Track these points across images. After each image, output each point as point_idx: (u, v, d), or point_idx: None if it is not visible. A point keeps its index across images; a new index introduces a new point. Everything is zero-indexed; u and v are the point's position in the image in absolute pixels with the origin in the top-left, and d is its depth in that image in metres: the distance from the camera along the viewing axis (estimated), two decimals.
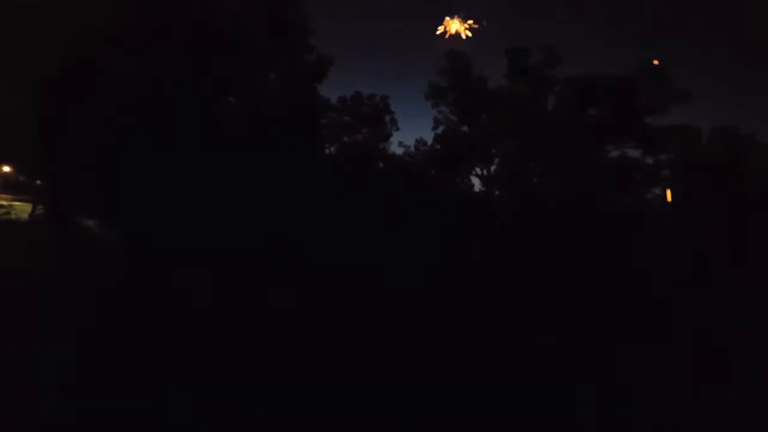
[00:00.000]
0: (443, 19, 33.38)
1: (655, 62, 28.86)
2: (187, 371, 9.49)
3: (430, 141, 35.28)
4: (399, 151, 36.17)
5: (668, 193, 32.42)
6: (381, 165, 34.55)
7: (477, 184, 35.36)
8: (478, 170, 34.82)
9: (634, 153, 31.35)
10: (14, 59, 18.19)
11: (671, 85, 28.49)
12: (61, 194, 21.73)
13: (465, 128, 34.20)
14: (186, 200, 21.46)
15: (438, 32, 33.75)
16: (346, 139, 34.93)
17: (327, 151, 34.07)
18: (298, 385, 9.38)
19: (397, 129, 35.93)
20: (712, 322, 21.91)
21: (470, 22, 32.80)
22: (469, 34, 32.73)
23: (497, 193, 34.82)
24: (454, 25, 32.73)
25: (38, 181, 25.69)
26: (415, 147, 35.84)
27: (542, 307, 21.90)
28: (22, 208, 25.24)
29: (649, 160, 31.09)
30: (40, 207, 23.95)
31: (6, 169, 27.59)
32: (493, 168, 34.45)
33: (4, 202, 24.92)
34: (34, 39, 17.98)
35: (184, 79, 21.34)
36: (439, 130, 34.51)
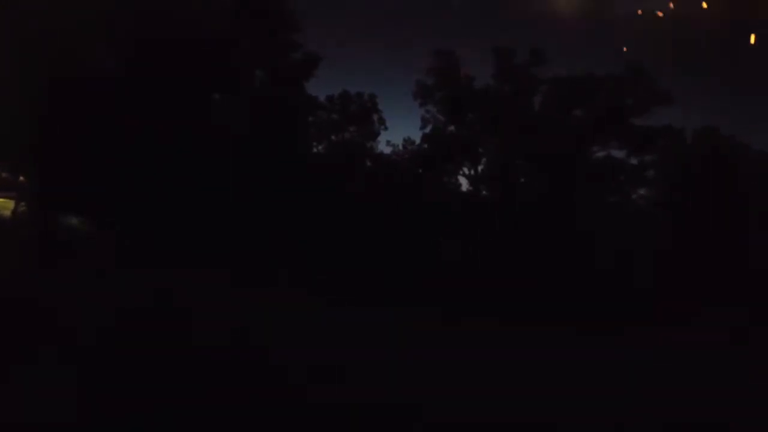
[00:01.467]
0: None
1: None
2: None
3: (417, 140, 35.35)
4: (387, 150, 36.18)
5: None
6: (369, 164, 34.59)
7: (464, 183, 35.53)
8: (465, 170, 34.98)
9: (619, 154, 31.71)
10: (5, 62, 18.07)
11: (654, 86, 28.81)
12: (46, 191, 21.56)
13: (452, 128, 34.29)
14: (169, 200, 21.34)
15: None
16: (333, 137, 34.87)
17: (315, 149, 34.07)
18: None
19: (385, 128, 35.84)
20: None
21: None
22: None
23: (484, 192, 35.00)
24: None
25: (21, 178, 25.45)
26: (403, 146, 35.86)
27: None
28: (4, 205, 25.02)
29: (634, 161, 31.46)
30: (23, 204, 23.74)
31: None
32: (480, 168, 34.63)
33: None
34: (26, 42, 17.88)
35: (169, 78, 21.23)
36: (427, 130, 34.55)
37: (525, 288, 24.95)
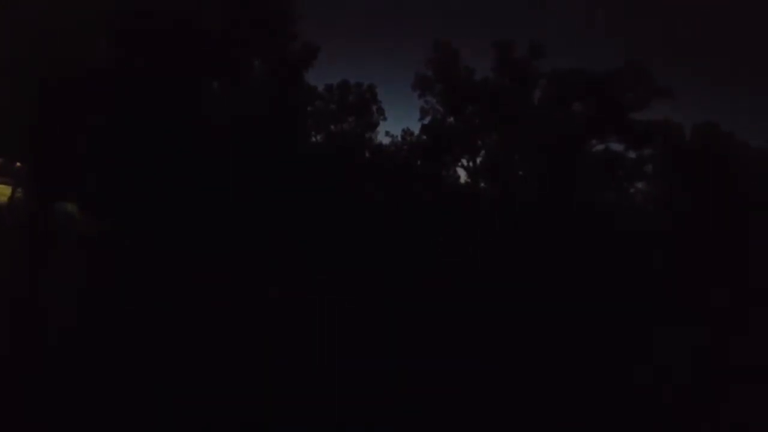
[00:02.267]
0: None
1: None
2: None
3: (416, 131, 35.19)
4: (386, 140, 36.05)
5: None
6: (367, 155, 34.42)
7: (463, 175, 35.43)
8: (464, 162, 34.85)
9: (617, 147, 31.55)
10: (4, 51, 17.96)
11: (653, 81, 28.60)
12: (43, 178, 21.50)
13: (452, 119, 34.08)
14: (169, 197, 21.19)
15: None
16: (332, 127, 34.69)
17: (313, 139, 33.88)
18: None
19: (384, 119, 35.70)
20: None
21: None
22: None
23: (482, 185, 34.88)
24: None
25: (18, 164, 25.44)
26: (402, 137, 35.68)
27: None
28: (1, 191, 25.05)
29: (632, 155, 31.32)
30: (20, 190, 23.73)
31: None
32: (479, 160, 34.48)
33: None
34: (26, 33, 17.75)
35: (168, 73, 20.99)
36: (426, 121, 34.39)
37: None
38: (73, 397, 7.49)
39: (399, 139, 35.69)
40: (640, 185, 33.57)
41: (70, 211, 23.03)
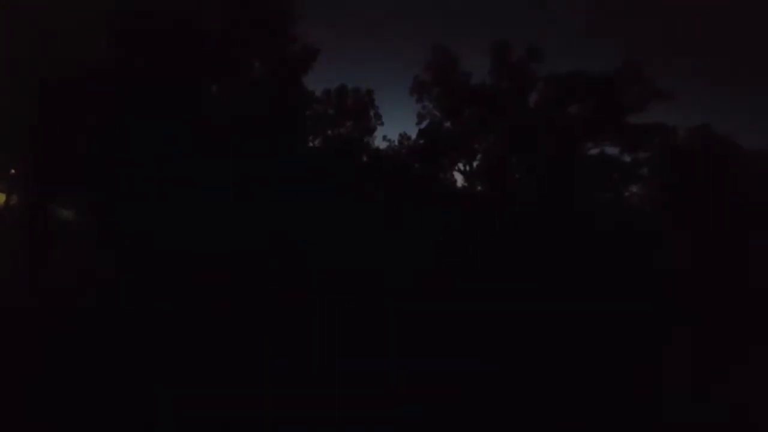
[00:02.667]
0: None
1: None
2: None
3: (413, 136, 35.25)
4: (383, 145, 36.14)
5: None
6: (365, 159, 34.50)
7: (460, 179, 35.51)
8: (461, 166, 34.95)
9: (613, 151, 31.68)
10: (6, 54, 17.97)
11: (651, 84, 28.79)
12: (43, 178, 21.39)
13: (448, 123, 34.25)
14: (168, 192, 21.14)
15: None
16: (329, 132, 34.76)
17: (311, 143, 33.95)
18: None
19: (382, 123, 35.81)
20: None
21: None
22: None
23: (479, 189, 34.96)
24: None
25: (12, 170, 25.26)
26: (399, 142, 35.78)
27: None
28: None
29: (628, 158, 31.42)
30: (14, 197, 23.59)
31: None
32: (476, 164, 34.61)
33: None
34: (26, 37, 17.78)
35: (167, 71, 21.02)
36: (423, 125, 34.53)
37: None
38: (74, 397, 7.43)
39: (396, 143, 35.90)
40: (639, 187, 33.69)
41: (69, 212, 22.89)
